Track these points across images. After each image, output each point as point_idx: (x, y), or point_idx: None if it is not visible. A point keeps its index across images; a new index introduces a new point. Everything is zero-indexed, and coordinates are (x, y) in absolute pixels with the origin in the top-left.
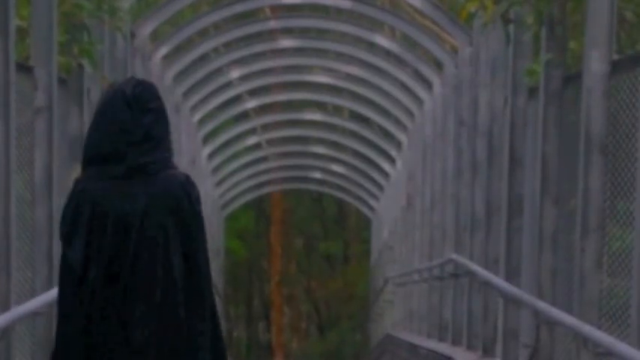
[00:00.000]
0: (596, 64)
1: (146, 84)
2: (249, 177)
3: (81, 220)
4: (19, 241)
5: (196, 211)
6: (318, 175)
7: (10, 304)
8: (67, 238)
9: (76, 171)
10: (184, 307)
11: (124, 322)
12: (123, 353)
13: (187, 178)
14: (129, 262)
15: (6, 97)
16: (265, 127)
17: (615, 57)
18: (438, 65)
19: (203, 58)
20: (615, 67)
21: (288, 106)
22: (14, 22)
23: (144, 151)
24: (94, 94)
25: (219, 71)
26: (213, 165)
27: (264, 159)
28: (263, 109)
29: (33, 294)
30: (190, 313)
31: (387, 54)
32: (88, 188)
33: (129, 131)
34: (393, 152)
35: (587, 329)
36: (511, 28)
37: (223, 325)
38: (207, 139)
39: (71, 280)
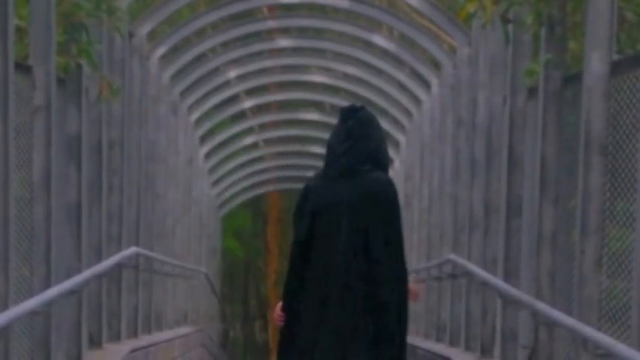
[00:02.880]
0: (596, 64)
1: (359, 106)
2: (246, 177)
3: (305, 208)
4: (17, 241)
5: (392, 205)
6: None
7: (8, 304)
8: (295, 221)
9: (73, 171)
10: (380, 274)
11: (337, 281)
12: (330, 305)
13: (388, 180)
14: (339, 242)
15: (5, 96)
16: (262, 127)
17: (615, 57)
18: (436, 65)
19: (200, 58)
20: (615, 68)
21: (286, 105)
22: (13, 22)
23: (351, 158)
24: (92, 93)
25: (216, 71)
26: (210, 165)
27: (261, 159)
28: (260, 109)
29: (31, 293)
30: (385, 280)
31: (385, 54)
32: (313, 185)
33: (340, 143)
34: (391, 152)
35: (587, 330)
36: (510, 28)
37: (219, 325)
38: (204, 138)
39: (296, 252)
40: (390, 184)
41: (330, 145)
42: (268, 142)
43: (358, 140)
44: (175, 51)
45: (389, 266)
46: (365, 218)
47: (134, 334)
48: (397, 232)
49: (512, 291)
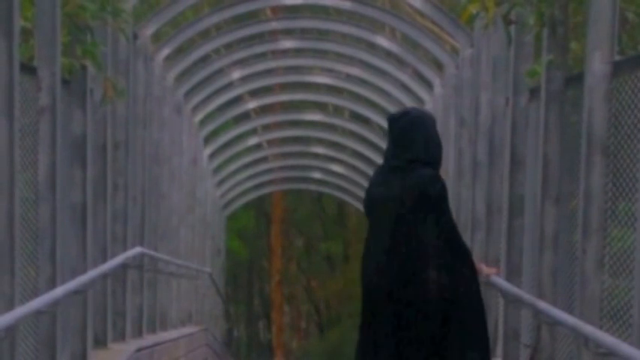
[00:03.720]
0: (597, 65)
1: (404, 111)
2: (250, 177)
3: (368, 199)
4: (22, 241)
5: (434, 197)
6: (318, 175)
7: (14, 303)
8: (364, 210)
9: (78, 171)
10: (441, 260)
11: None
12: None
13: (432, 175)
14: (393, 229)
15: (10, 97)
16: (266, 128)
17: (617, 58)
18: (439, 66)
19: (204, 59)
20: (617, 68)
21: (289, 106)
22: (18, 23)
23: (399, 155)
24: (97, 94)
25: (220, 72)
26: (215, 165)
27: (264, 159)
28: (264, 110)
29: (36, 293)
30: (451, 263)
31: (388, 55)
32: (372, 180)
33: (389, 146)
34: None
35: (589, 329)
36: (512, 29)
37: (224, 325)
38: (208, 139)
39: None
40: (433, 179)
41: (387, 144)
42: (272, 142)
43: (403, 146)
44: (179, 52)
45: (440, 257)
46: (411, 211)
47: (139, 333)
48: (446, 222)
49: (515, 290)
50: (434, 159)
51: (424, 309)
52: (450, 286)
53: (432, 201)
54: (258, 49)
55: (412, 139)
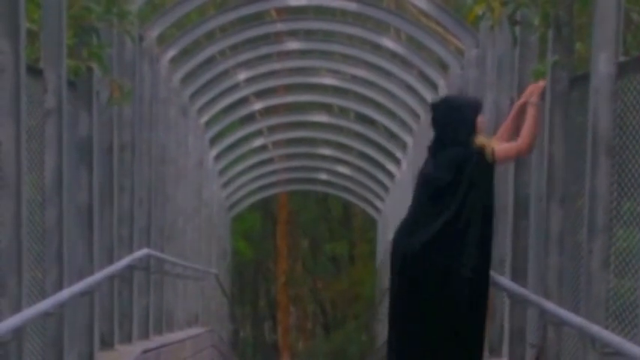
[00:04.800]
0: (602, 65)
1: (439, 100)
2: (256, 178)
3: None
4: (29, 243)
5: (454, 171)
6: (323, 176)
7: (21, 305)
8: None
9: (85, 173)
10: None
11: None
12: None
13: (455, 154)
14: (427, 204)
15: (16, 99)
16: (271, 129)
17: (622, 59)
18: (444, 67)
19: (210, 61)
20: (622, 69)
21: (294, 107)
22: (25, 26)
23: (435, 138)
24: (103, 96)
25: (225, 73)
26: (220, 167)
27: (270, 161)
28: (269, 111)
29: (44, 295)
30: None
31: (393, 56)
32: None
33: (431, 126)
34: (399, 153)
35: (595, 329)
36: (518, 29)
37: (230, 326)
38: (214, 141)
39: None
40: (454, 157)
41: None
42: (277, 144)
43: (439, 129)
44: (185, 54)
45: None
46: (440, 187)
47: (145, 335)
48: (462, 200)
49: (520, 290)
50: (463, 138)
51: (449, 280)
52: (462, 262)
53: (451, 177)
54: (264, 50)
55: (444, 124)
